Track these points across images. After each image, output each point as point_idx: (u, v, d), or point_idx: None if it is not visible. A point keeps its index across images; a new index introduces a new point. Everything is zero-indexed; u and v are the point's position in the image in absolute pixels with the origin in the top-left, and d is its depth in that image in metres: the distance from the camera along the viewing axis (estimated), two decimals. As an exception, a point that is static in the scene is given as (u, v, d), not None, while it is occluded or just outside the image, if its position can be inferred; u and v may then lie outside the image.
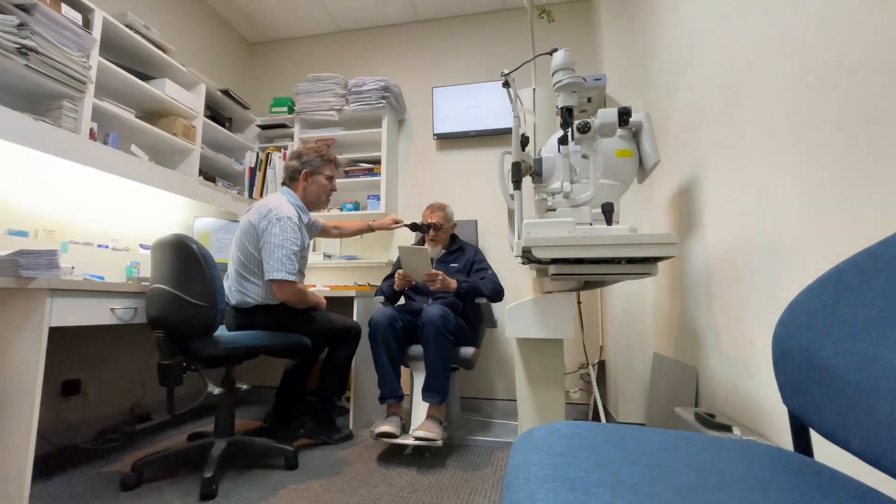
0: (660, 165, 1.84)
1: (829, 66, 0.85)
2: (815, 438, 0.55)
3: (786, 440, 0.96)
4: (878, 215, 0.73)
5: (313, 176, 1.96)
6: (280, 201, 1.84)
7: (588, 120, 1.32)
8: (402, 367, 2.02)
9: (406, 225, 2.25)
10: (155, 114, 2.31)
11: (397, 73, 3.11)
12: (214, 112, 2.75)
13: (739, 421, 1.17)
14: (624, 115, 1.33)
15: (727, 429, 1.07)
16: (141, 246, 2.30)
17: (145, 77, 2.18)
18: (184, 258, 1.56)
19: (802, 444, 0.58)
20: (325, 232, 2.24)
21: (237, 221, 2.68)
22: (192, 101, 2.41)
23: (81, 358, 1.97)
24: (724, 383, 1.30)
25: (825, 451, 0.58)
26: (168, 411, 1.64)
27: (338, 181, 2.88)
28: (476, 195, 2.85)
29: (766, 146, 1.08)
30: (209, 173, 2.69)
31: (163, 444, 1.98)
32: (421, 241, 2.36)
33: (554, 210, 1.40)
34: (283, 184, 1.99)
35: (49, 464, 1.71)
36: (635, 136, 1.53)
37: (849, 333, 0.48)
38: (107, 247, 2.12)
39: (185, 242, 1.55)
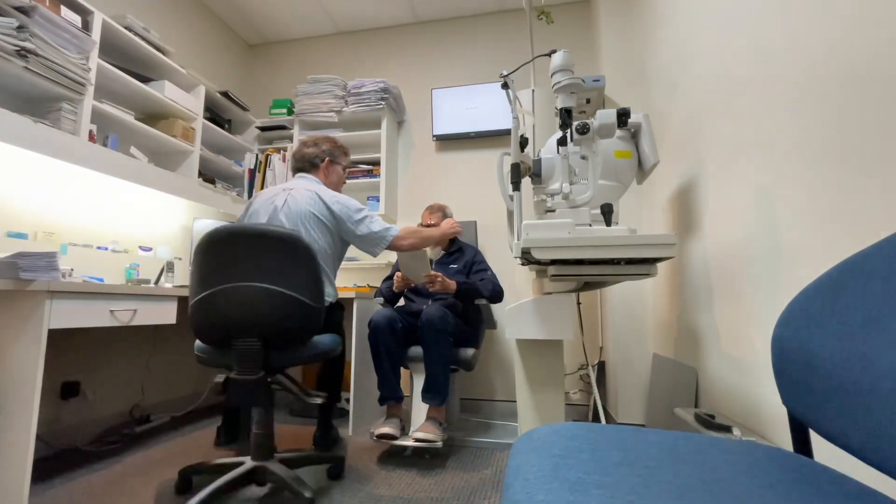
0: (659, 166, 1.84)
1: (829, 66, 0.85)
2: (815, 439, 0.55)
3: (785, 441, 0.96)
4: (877, 216, 0.73)
5: (333, 165, 1.87)
6: (317, 186, 1.72)
7: (587, 121, 1.33)
8: (402, 369, 2.02)
9: None
10: (154, 116, 2.31)
11: (396, 75, 3.12)
12: (214, 114, 2.76)
13: (739, 421, 1.17)
14: (623, 115, 1.33)
15: (727, 429, 1.07)
16: (140, 248, 2.30)
17: (144, 79, 2.18)
18: (293, 253, 1.37)
19: (802, 444, 0.58)
20: None
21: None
22: (191, 103, 2.41)
23: (81, 360, 1.97)
24: (724, 384, 1.30)
25: (825, 452, 0.58)
26: (243, 436, 1.44)
27: (337, 182, 2.90)
28: (475, 196, 2.85)
29: (765, 147, 1.08)
30: (208, 175, 2.69)
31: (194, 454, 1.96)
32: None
33: (553, 211, 1.40)
34: (302, 170, 1.83)
35: (48, 466, 1.71)
36: (634, 136, 1.53)
37: (848, 334, 0.48)
38: (106, 249, 2.12)
39: (297, 235, 1.39)
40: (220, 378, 1.38)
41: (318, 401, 1.55)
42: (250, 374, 1.33)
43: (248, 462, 1.43)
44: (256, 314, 1.33)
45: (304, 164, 1.84)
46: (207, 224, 2.57)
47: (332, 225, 1.64)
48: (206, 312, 1.35)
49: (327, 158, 1.84)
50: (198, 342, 1.48)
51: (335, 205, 1.64)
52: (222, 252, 1.35)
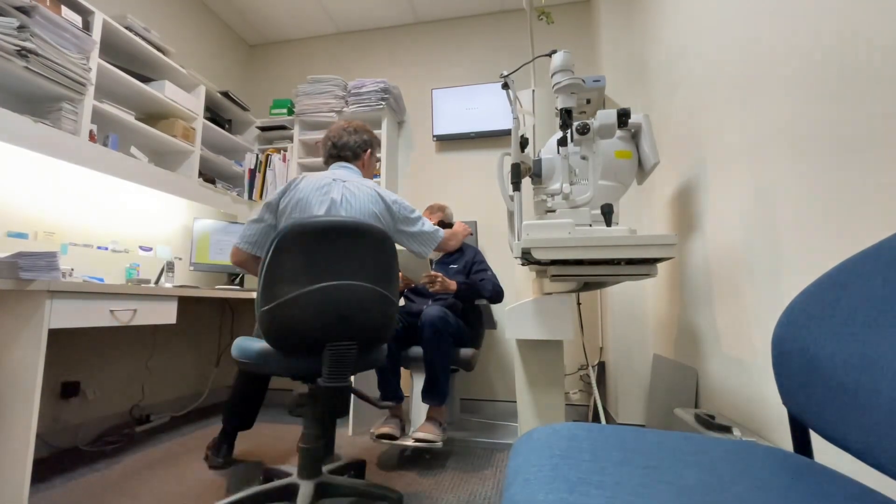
0: (659, 166, 1.84)
1: (830, 66, 0.85)
2: (816, 439, 0.55)
3: (786, 441, 0.96)
4: (878, 216, 0.73)
5: (372, 157, 1.75)
6: (372, 182, 1.63)
7: (587, 121, 1.33)
8: (402, 369, 2.02)
9: None
10: (154, 116, 2.31)
11: (397, 75, 3.12)
12: (214, 114, 2.76)
13: (739, 422, 1.17)
14: (623, 116, 1.33)
15: (727, 430, 1.07)
16: (140, 248, 2.30)
17: (145, 79, 2.18)
18: (385, 251, 1.31)
19: (802, 445, 0.58)
20: None
21: (237, 223, 2.68)
22: (191, 103, 2.41)
23: (81, 360, 1.97)
24: (724, 384, 1.30)
25: (825, 453, 0.58)
26: (330, 452, 1.27)
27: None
28: (476, 196, 2.85)
29: (766, 146, 1.08)
30: (209, 175, 2.69)
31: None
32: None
33: (553, 211, 1.40)
34: (344, 159, 1.68)
35: (48, 466, 1.71)
36: (634, 137, 1.53)
37: (848, 334, 0.48)
38: (106, 248, 2.12)
39: (386, 232, 1.32)
40: (302, 389, 1.25)
41: (392, 405, 1.53)
42: (342, 381, 1.21)
43: (303, 481, 1.27)
44: (358, 315, 1.23)
45: (346, 153, 1.68)
46: (207, 224, 2.57)
47: (388, 225, 1.57)
48: (299, 312, 1.18)
49: (369, 150, 1.73)
50: (246, 346, 1.31)
51: (394, 205, 1.58)
52: (319, 247, 1.20)
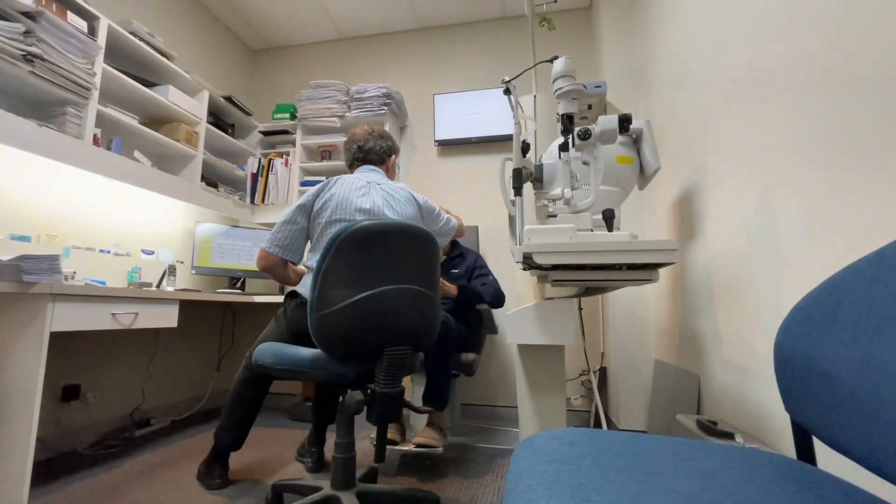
0: (660, 172, 1.84)
1: (830, 69, 0.85)
2: (819, 446, 0.55)
3: (789, 448, 0.95)
4: (880, 221, 0.73)
5: (394, 163, 1.79)
6: (403, 184, 1.68)
7: (589, 127, 1.33)
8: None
9: None
10: (158, 120, 2.32)
11: (399, 80, 3.14)
12: (217, 118, 2.77)
13: (742, 428, 1.17)
14: (624, 121, 1.33)
15: (729, 436, 1.06)
16: (142, 251, 2.31)
17: (149, 84, 2.20)
18: (434, 255, 1.30)
19: (805, 451, 0.58)
20: None
21: (239, 227, 2.69)
22: (194, 108, 2.42)
23: (82, 363, 1.97)
24: (727, 390, 1.29)
25: (828, 459, 0.57)
26: (381, 460, 1.23)
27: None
28: (477, 201, 2.86)
29: (767, 151, 1.08)
30: (211, 179, 2.70)
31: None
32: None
33: (555, 216, 1.40)
34: (371, 162, 1.71)
35: (48, 469, 1.71)
36: (636, 142, 1.53)
37: (850, 340, 0.48)
38: (108, 252, 2.12)
39: (433, 235, 1.31)
40: (357, 395, 1.20)
41: (427, 410, 1.56)
42: (398, 386, 1.19)
43: (342, 493, 1.25)
44: (412, 319, 1.21)
45: (372, 157, 1.70)
46: (210, 228, 2.58)
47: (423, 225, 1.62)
48: (358, 317, 1.13)
49: (393, 156, 1.77)
50: (286, 352, 1.25)
51: (424, 205, 1.66)
52: (377, 250, 1.17)
